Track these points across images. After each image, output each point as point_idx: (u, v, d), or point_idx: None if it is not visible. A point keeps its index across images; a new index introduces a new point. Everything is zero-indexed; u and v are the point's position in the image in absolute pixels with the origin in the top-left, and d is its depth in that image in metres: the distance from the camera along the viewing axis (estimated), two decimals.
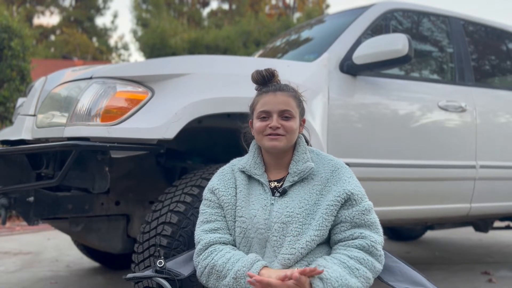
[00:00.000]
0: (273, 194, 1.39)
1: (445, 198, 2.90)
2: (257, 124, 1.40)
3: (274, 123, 1.36)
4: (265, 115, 1.39)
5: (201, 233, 1.39)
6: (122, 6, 51.68)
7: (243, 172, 1.45)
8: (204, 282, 1.35)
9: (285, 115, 1.38)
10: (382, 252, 1.32)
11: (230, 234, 1.40)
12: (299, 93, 1.47)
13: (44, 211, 2.01)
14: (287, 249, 1.30)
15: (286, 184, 1.38)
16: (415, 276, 1.35)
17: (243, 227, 1.36)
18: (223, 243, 1.37)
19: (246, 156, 1.48)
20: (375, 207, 1.42)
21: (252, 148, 1.48)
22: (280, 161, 1.43)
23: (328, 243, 1.38)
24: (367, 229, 1.33)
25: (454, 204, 2.96)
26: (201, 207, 1.46)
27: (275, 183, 1.41)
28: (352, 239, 1.32)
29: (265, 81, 1.44)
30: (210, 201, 1.43)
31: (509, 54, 3.58)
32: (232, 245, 1.39)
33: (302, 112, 1.45)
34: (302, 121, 1.46)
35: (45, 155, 2.11)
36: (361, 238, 1.31)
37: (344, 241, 1.33)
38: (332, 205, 1.32)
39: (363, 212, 1.34)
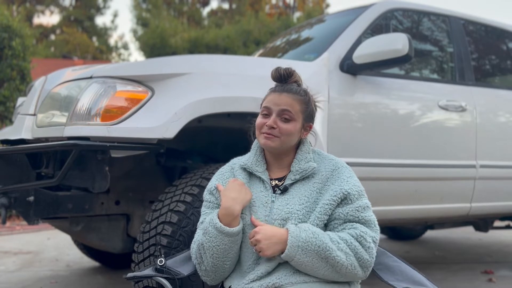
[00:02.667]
0: (274, 192, 1.39)
1: (445, 197, 2.90)
2: (258, 119, 1.41)
3: (270, 123, 1.36)
4: (266, 112, 1.39)
5: (199, 232, 1.40)
6: (122, 6, 51.72)
7: (244, 169, 1.45)
8: (201, 274, 1.38)
9: (284, 116, 1.37)
10: (373, 246, 1.29)
11: None
12: (313, 99, 1.45)
13: (44, 211, 2.01)
14: None
15: (287, 182, 1.39)
16: (415, 276, 1.35)
17: (242, 223, 1.36)
18: None
19: (248, 154, 1.48)
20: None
21: (255, 146, 1.48)
22: (281, 160, 1.43)
23: None
24: (360, 225, 1.31)
25: (454, 203, 2.96)
26: (202, 208, 1.46)
27: (276, 181, 1.41)
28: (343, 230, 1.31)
29: (282, 79, 1.42)
30: (209, 202, 1.44)
31: (509, 54, 3.58)
32: None
33: (308, 117, 1.42)
34: (308, 127, 1.44)
35: (45, 154, 2.11)
36: (352, 229, 1.30)
37: None
38: (327, 204, 1.32)
39: (357, 209, 1.32)
